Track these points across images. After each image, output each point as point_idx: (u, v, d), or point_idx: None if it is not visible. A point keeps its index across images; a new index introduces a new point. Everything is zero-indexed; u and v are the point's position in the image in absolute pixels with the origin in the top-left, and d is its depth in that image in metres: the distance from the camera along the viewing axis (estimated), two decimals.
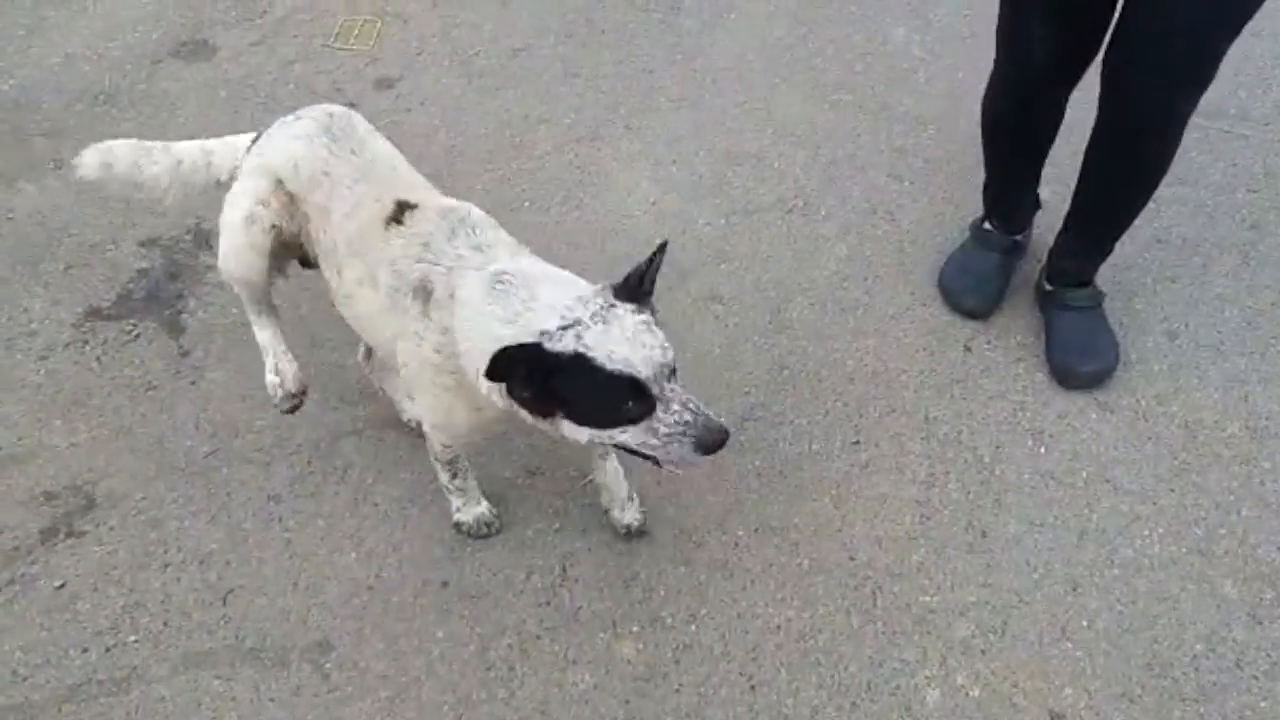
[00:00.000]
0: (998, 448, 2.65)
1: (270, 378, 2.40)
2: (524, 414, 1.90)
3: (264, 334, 2.41)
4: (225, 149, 2.45)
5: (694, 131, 3.44)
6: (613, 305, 1.82)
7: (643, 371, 1.77)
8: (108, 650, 2.30)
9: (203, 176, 2.45)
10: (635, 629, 2.35)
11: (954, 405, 2.73)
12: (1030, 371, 2.79)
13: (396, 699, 2.25)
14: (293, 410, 2.43)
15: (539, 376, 1.81)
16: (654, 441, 1.83)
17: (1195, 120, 2.43)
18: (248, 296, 2.36)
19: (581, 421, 1.84)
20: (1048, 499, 2.56)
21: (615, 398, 1.79)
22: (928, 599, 2.40)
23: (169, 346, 2.85)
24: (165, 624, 2.35)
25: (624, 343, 1.78)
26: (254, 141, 2.36)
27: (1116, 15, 2.38)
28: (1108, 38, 2.42)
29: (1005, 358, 2.83)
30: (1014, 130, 2.77)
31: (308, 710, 2.24)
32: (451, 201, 2.16)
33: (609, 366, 1.76)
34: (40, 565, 2.43)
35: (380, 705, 2.24)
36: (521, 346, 1.77)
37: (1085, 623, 2.36)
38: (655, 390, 1.80)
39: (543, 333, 1.80)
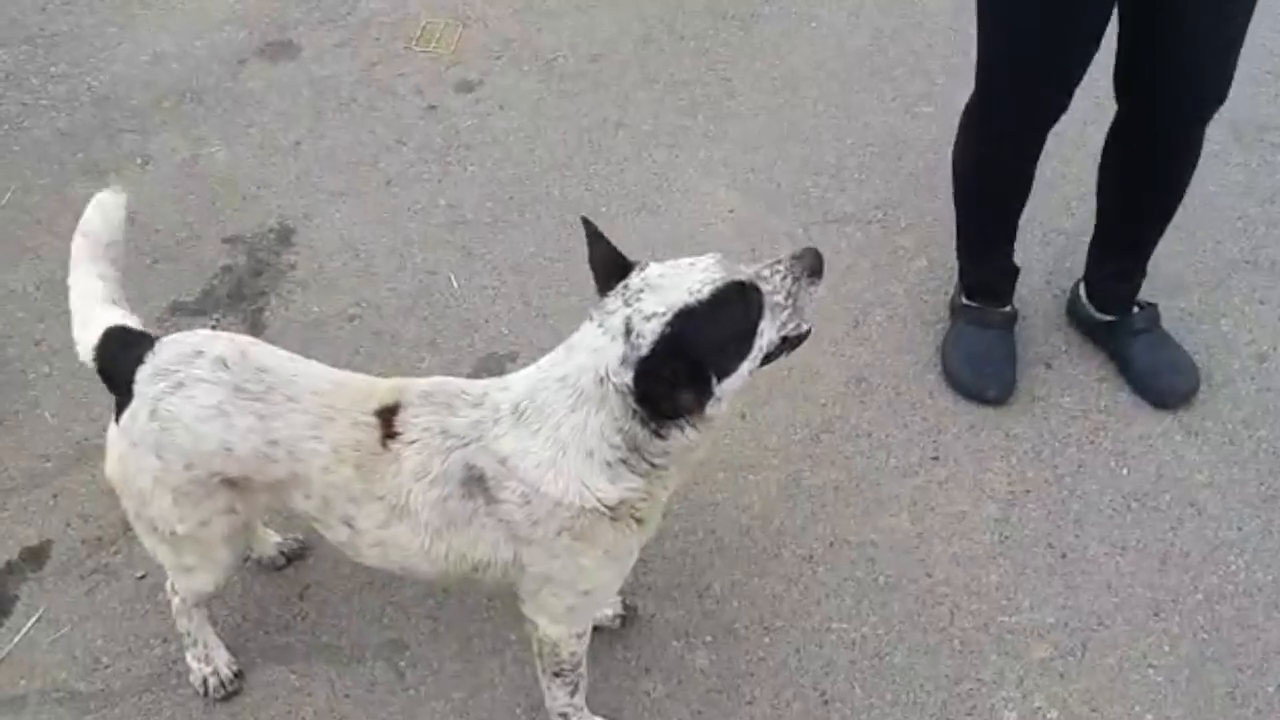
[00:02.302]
0: (1079, 467, 2.61)
1: (200, 668, 2.24)
2: (670, 448, 1.71)
3: (193, 622, 2.21)
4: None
5: (773, 140, 3.43)
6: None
7: (720, 271, 1.66)
8: None
9: None
10: (708, 639, 2.34)
11: (1035, 423, 2.69)
12: (1113, 391, 2.74)
13: (470, 700, 2.26)
14: (228, 698, 2.25)
15: (685, 367, 1.62)
16: (784, 308, 1.72)
17: None
18: (200, 602, 2.19)
19: (734, 365, 1.68)
20: (1130, 521, 2.51)
21: (733, 311, 1.66)
22: (1006, 619, 2.36)
23: None
24: (244, 617, 2.38)
25: (682, 273, 1.66)
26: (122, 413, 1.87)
27: (1119, 44, 2.34)
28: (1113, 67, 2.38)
29: (1087, 376, 2.78)
30: (1018, 177, 2.63)
31: (382, 708, 2.25)
32: (418, 383, 1.87)
33: (702, 295, 1.63)
34: (123, 555, 2.47)
35: (454, 706, 2.25)
36: (655, 363, 1.61)
37: (1167, 648, 2.32)
38: (745, 272, 1.70)
39: (640, 359, 1.62)
